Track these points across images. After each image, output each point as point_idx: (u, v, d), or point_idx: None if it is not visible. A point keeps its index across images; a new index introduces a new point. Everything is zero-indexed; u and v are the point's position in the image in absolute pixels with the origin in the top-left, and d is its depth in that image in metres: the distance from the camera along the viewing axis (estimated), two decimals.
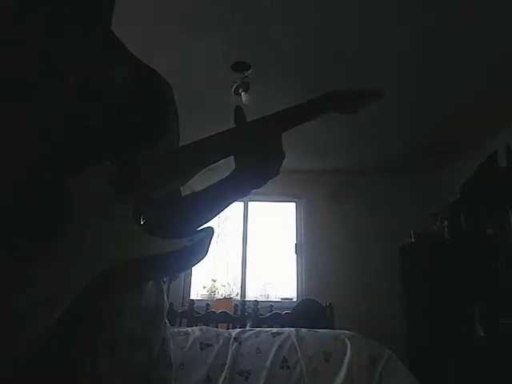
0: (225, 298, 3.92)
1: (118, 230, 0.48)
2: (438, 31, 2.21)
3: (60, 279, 0.43)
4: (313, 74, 2.64)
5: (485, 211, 3.25)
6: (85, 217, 0.46)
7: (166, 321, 0.67)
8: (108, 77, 0.61)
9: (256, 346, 1.65)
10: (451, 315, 3.09)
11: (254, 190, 0.67)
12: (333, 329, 2.44)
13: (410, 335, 3.57)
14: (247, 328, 2.17)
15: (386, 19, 2.15)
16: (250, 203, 4.31)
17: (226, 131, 0.60)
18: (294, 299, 3.96)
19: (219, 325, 2.62)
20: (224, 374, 1.51)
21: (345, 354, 1.59)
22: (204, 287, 4.12)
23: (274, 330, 1.82)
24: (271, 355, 1.59)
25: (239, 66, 2.54)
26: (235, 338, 1.70)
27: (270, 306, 3.10)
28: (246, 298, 3.77)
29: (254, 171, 0.64)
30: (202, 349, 1.62)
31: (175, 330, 1.79)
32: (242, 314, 2.73)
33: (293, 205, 4.42)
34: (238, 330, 1.91)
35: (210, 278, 4.15)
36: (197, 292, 4.06)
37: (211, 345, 1.64)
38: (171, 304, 2.44)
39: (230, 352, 1.61)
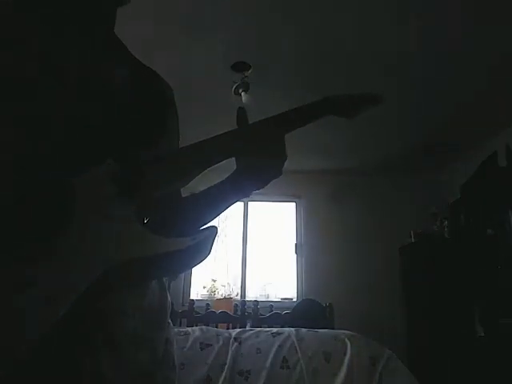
0: (225, 297, 3.92)
1: (119, 230, 0.48)
2: (437, 31, 2.21)
3: (60, 279, 0.43)
4: (313, 74, 2.64)
5: (485, 211, 3.25)
6: (86, 216, 0.46)
7: (170, 321, 0.67)
8: (108, 77, 0.61)
9: (256, 346, 1.65)
10: (451, 315, 3.09)
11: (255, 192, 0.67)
12: (333, 329, 2.44)
13: (410, 335, 3.57)
14: (247, 328, 2.17)
15: (386, 19, 2.15)
16: (249, 203, 4.31)
17: (228, 132, 0.60)
18: (294, 299, 3.96)
19: (219, 325, 2.62)
20: (224, 373, 1.51)
21: (345, 354, 1.59)
22: (204, 287, 4.12)
23: (274, 329, 1.82)
24: (271, 355, 1.59)
25: (239, 66, 2.54)
26: (235, 338, 1.70)
27: (270, 306, 3.10)
28: (246, 298, 3.77)
29: (255, 172, 0.65)
30: (202, 349, 1.62)
31: (175, 330, 1.79)
32: (242, 313, 2.73)
33: (293, 205, 4.42)
34: (238, 329, 1.91)
35: (210, 277, 4.15)
36: (197, 292, 4.06)
37: (211, 345, 1.64)
38: (171, 304, 2.44)
39: (229, 352, 1.61)
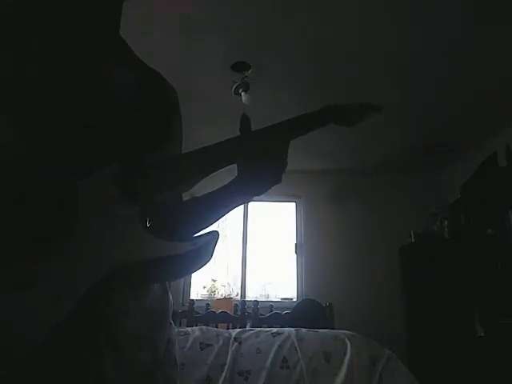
0: (225, 297, 3.92)
1: (122, 231, 0.48)
2: (438, 31, 2.21)
3: (61, 279, 0.43)
4: (313, 74, 2.64)
5: (485, 211, 3.25)
6: (89, 217, 0.46)
7: (171, 321, 0.67)
8: (108, 77, 0.61)
9: (256, 346, 1.65)
10: (451, 315, 3.09)
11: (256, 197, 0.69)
12: (333, 329, 2.44)
13: (410, 335, 3.57)
14: (247, 328, 2.17)
15: (386, 19, 2.15)
16: (250, 203, 4.31)
17: (230, 139, 0.61)
18: (294, 299, 3.96)
19: (219, 325, 2.62)
20: (224, 374, 1.51)
21: (345, 354, 1.59)
22: (204, 287, 4.12)
23: (274, 329, 1.83)
24: (271, 355, 1.59)
25: (239, 66, 2.54)
26: (235, 338, 1.70)
27: (270, 306, 3.10)
28: (246, 298, 3.77)
29: (255, 179, 0.66)
30: (202, 349, 1.62)
31: (175, 330, 1.79)
32: (242, 314, 2.73)
33: (293, 205, 4.42)
34: (238, 329, 1.91)
35: (210, 278, 4.15)
36: (197, 292, 4.06)
37: (211, 345, 1.64)
38: (172, 304, 2.44)
39: (230, 352, 1.61)
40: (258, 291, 4.12)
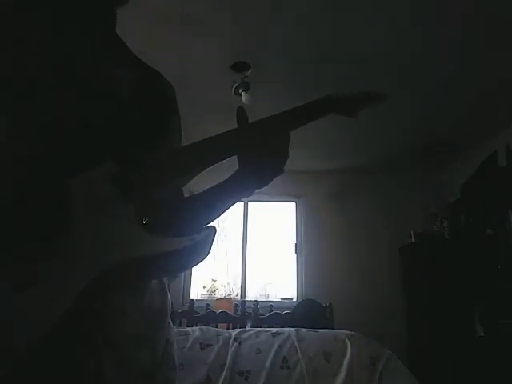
0: (225, 298, 3.92)
1: (119, 229, 0.48)
2: (437, 31, 2.21)
3: (60, 279, 0.43)
4: (313, 74, 2.64)
5: (485, 211, 3.25)
6: (86, 216, 0.46)
7: (170, 321, 0.67)
8: (108, 77, 0.61)
9: (256, 346, 1.65)
10: (451, 315, 3.09)
11: (257, 190, 0.67)
12: (333, 329, 2.45)
13: (410, 335, 3.57)
14: (247, 328, 2.17)
15: (386, 19, 2.15)
16: (249, 203, 4.31)
17: (230, 131, 0.60)
18: (294, 299, 3.96)
19: (219, 325, 2.63)
20: (224, 374, 1.51)
21: (345, 354, 1.59)
22: (204, 287, 4.13)
23: (274, 330, 1.82)
24: (271, 355, 1.59)
25: (239, 66, 2.54)
26: (235, 338, 1.70)
27: (270, 306, 3.10)
28: (246, 298, 3.77)
29: (257, 171, 0.65)
30: (201, 349, 1.62)
31: (175, 330, 1.79)
32: (242, 314, 2.73)
33: (293, 205, 4.42)
34: (238, 329, 1.91)
35: (210, 277, 4.15)
36: (197, 292, 4.06)
37: (211, 345, 1.64)
38: (171, 304, 2.44)
39: (229, 352, 1.61)
40: (258, 291, 4.12)
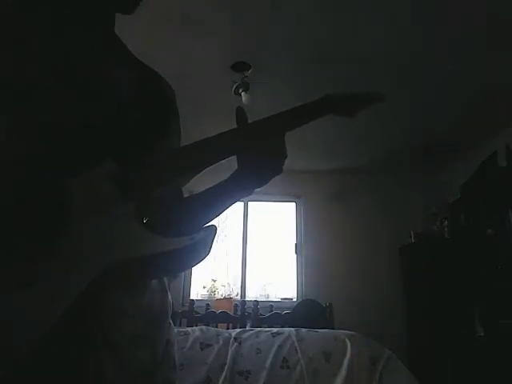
0: (225, 298, 3.92)
1: (119, 229, 0.48)
2: (437, 31, 2.21)
3: (60, 279, 0.43)
4: (313, 74, 2.64)
5: (485, 211, 3.25)
6: (86, 216, 0.46)
7: (171, 321, 0.67)
8: (108, 77, 0.61)
9: (256, 346, 1.65)
10: (451, 315, 3.09)
11: (256, 190, 0.68)
12: (333, 329, 2.45)
13: (410, 335, 3.57)
14: (247, 328, 2.17)
15: (386, 19, 2.15)
16: (250, 203, 4.31)
17: (229, 131, 0.60)
18: (294, 299, 3.96)
19: (219, 325, 2.63)
20: (224, 374, 1.51)
21: (345, 354, 1.59)
22: (204, 287, 4.12)
23: (274, 330, 1.82)
24: (271, 355, 1.59)
25: (239, 66, 2.54)
26: (235, 338, 1.70)
27: (270, 306, 3.10)
28: (246, 298, 3.77)
29: (256, 170, 0.65)
30: (201, 349, 1.62)
31: (175, 330, 1.79)
32: (241, 314, 2.73)
33: (293, 205, 4.42)
34: (238, 329, 1.91)
35: (210, 277, 4.15)
36: (197, 292, 4.06)
37: (211, 345, 1.64)
38: (171, 304, 2.45)
39: (229, 352, 1.61)
40: (258, 291, 4.12)
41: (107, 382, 0.50)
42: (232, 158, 0.64)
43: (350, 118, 0.69)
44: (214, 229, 0.51)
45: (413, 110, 3.11)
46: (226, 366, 1.54)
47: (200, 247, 0.50)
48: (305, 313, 3.03)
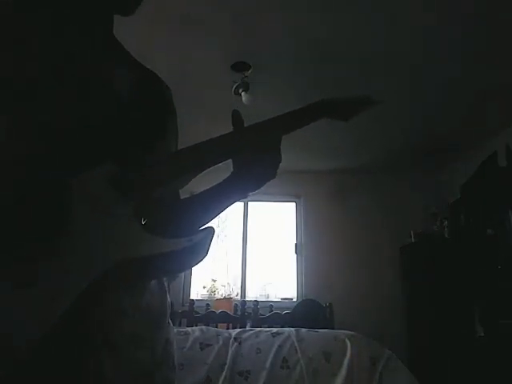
0: (225, 297, 3.92)
1: (118, 229, 0.48)
2: (437, 31, 2.21)
3: (60, 279, 0.43)
4: (313, 74, 2.64)
5: (485, 211, 3.25)
6: (85, 216, 0.46)
7: (170, 321, 0.67)
8: (108, 77, 0.61)
9: (256, 346, 1.65)
10: (451, 315, 3.09)
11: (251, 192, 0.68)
12: (333, 329, 2.45)
13: (410, 335, 3.57)
14: (247, 328, 2.17)
15: (386, 19, 2.15)
16: (249, 203, 4.31)
17: (225, 135, 0.61)
18: (294, 299, 3.96)
19: (219, 325, 2.63)
20: (224, 374, 1.51)
21: (345, 354, 1.59)
22: (204, 287, 4.13)
23: (274, 330, 1.83)
24: (271, 355, 1.59)
25: (239, 66, 2.54)
26: (235, 338, 1.70)
27: (270, 306, 3.10)
28: (246, 298, 3.77)
29: (250, 174, 0.65)
30: (201, 349, 1.62)
31: (175, 330, 1.79)
32: (241, 314, 2.73)
33: (293, 205, 4.42)
34: (238, 329, 1.91)
35: (210, 277, 4.15)
36: (197, 292, 4.06)
37: (211, 345, 1.64)
38: (171, 304, 2.45)
39: (229, 352, 1.61)
40: (258, 291, 4.12)
41: (107, 381, 0.50)
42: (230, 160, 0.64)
43: (345, 122, 0.69)
44: (211, 231, 0.51)
45: (413, 110, 3.11)
46: (226, 366, 1.54)
47: (198, 249, 0.50)
48: (305, 313, 3.03)
